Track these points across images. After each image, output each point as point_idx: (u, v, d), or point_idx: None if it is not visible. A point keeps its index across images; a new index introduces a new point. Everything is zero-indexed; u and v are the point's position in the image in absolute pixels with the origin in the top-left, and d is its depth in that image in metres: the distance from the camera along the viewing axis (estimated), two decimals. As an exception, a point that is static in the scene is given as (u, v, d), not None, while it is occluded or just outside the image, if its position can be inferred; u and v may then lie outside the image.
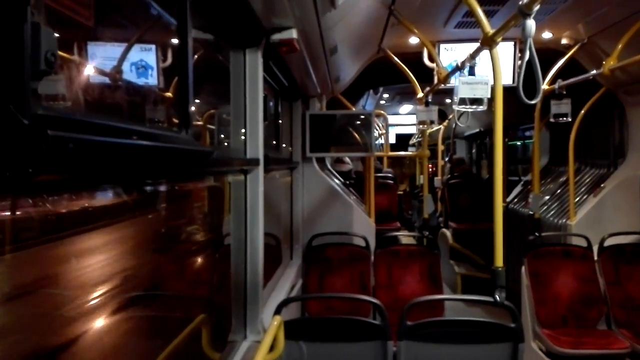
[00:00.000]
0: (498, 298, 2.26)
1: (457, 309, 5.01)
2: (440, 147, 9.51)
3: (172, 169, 1.45)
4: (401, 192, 9.52)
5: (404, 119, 12.09)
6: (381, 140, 9.61)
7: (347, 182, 6.27)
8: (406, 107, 10.93)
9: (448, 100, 7.94)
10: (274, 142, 4.26)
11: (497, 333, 2.55)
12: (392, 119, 11.41)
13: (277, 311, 2.53)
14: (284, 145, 4.51)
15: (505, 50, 4.40)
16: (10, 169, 0.73)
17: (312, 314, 4.10)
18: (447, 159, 10.74)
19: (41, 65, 0.76)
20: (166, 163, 1.33)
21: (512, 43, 4.39)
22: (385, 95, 9.27)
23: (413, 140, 13.13)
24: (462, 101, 2.90)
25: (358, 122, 4.58)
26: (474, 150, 11.06)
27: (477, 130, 9.65)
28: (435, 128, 9.62)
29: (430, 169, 10.66)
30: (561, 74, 4.46)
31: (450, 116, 8.84)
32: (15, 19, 0.72)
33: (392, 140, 13.92)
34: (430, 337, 2.57)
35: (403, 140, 14.02)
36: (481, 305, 5.24)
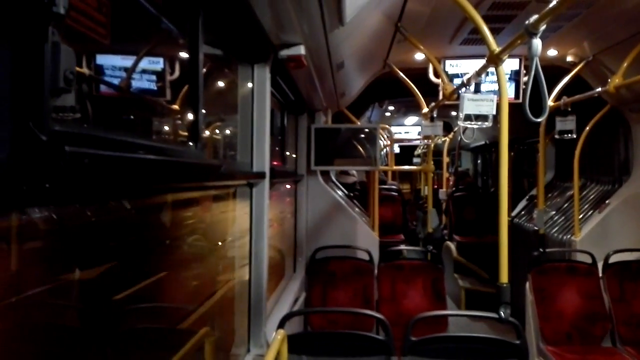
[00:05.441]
0: (503, 314, 2.24)
1: (461, 324, 4.98)
2: (445, 159, 9.50)
3: (181, 183, 1.46)
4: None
5: (409, 130, 12.10)
6: (387, 150, 9.62)
7: (351, 194, 6.27)
8: (411, 119, 10.97)
9: (454, 113, 7.95)
10: (280, 155, 4.27)
11: (501, 350, 2.54)
12: (397, 130, 11.43)
13: (281, 325, 2.53)
14: (287, 153, 4.53)
15: (511, 66, 4.42)
16: (27, 183, 0.74)
17: (315, 328, 4.08)
18: (451, 170, 10.72)
19: (60, 83, 0.78)
20: (176, 177, 1.34)
21: (518, 60, 4.42)
22: (391, 108, 9.32)
23: (418, 151, 13.14)
24: (468, 117, 2.91)
25: (363, 136, 4.59)
26: (479, 162, 11.05)
27: (483, 142, 9.64)
28: (440, 140, 9.63)
29: (435, 187, 10.65)
30: (566, 91, 4.47)
31: (456, 128, 8.86)
32: (37, 38, 0.74)
33: (397, 150, 13.98)
34: (434, 353, 2.55)
35: (408, 151, 14.03)
36: (485, 321, 5.20)
